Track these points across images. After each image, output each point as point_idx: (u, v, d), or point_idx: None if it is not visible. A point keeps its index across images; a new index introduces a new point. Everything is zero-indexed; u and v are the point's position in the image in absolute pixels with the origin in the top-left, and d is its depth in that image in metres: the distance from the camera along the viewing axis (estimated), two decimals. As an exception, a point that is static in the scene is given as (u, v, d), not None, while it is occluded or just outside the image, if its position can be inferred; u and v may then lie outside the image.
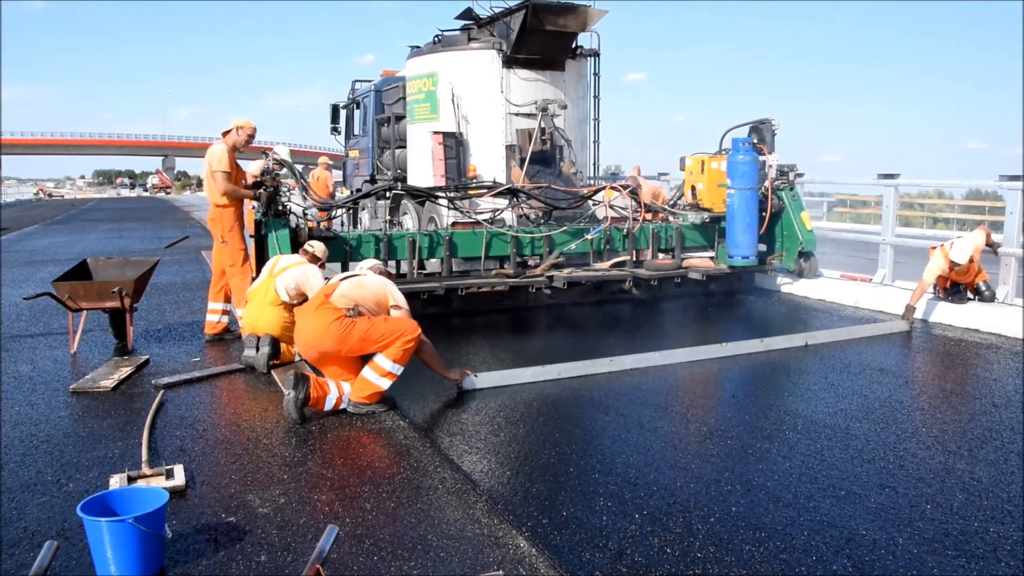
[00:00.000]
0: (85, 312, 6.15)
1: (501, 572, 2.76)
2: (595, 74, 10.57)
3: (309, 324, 4.60)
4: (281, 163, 7.30)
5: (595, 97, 10.63)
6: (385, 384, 4.57)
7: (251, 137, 6.34)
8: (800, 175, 9.22)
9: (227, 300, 6.48)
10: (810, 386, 5.29)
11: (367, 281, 4.83)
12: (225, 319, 6.51)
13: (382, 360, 4.54)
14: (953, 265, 7.14)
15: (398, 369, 4.57)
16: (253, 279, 6.41)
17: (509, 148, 9.61)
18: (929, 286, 7.41)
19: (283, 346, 5.65)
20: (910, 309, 7.17)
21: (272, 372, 5.43)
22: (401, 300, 4.81)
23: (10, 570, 2.80)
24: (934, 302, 7.56)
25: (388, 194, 9.37)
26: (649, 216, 8.90)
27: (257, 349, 5.54)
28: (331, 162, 15.79)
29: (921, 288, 7.28)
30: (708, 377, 5.93)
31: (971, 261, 7.21)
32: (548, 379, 5.40)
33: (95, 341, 6.38)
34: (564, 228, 8.18)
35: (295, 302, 5.64)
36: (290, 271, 5.70)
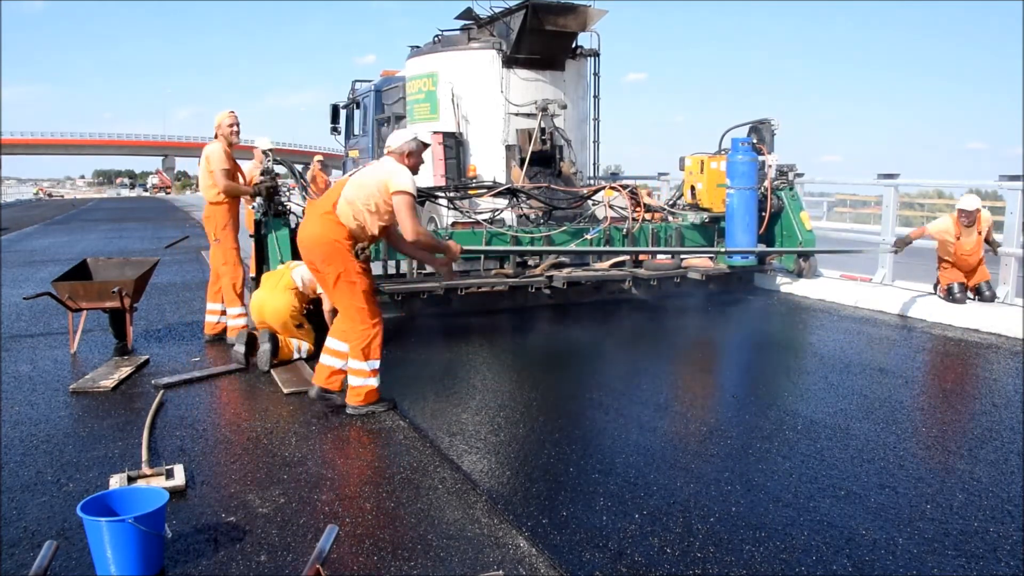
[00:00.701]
0: (85, 312, 6.14)
1: (501, 572, 2.76)
2: (595, 74, 10.57)
3: (312, 227, 4.52)
4: (280, 162, 7.31)
5: (595, 97, 10.63)
6: (372, 382, 4.56)
7: (233, 126, 6.25)
8: (800, 175, 9.22)
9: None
10: (810, 386, 5.29)
11: (368, 178, 4.46)
12: (224, 319, 6.50)
13: (356, 363, 4.54)
14: (961, 215, 7.25)
15: (374, 364, 4.56)
16: (254, 279, 6.44)
17: (509, 148, 9.61)
18: (927, 234, 7.56)
19: (281, 341, 5.68)
20: (905, 240, 7.45)
21: (272, 371, 5.43)
22: (405, 185, 4.31)
23: (10, 570, 2.80)
24: (934, 302, 7.57)
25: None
26: (648, 216, 8.90)
27: (255, 347, 5.58)
28: (323, 159, 15.78)
29: (920, 231, 7.63)
30: (708, 377, 5.93)
31: (979, 234, 7.29)
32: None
33: (95, 341, 6.38)
34: (564, 228, 8.18)
35: (309, 294, 5.80)
36: (305, 265, 5.78)
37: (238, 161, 6.49)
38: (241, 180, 6.45)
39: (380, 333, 4.58)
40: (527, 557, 2.89)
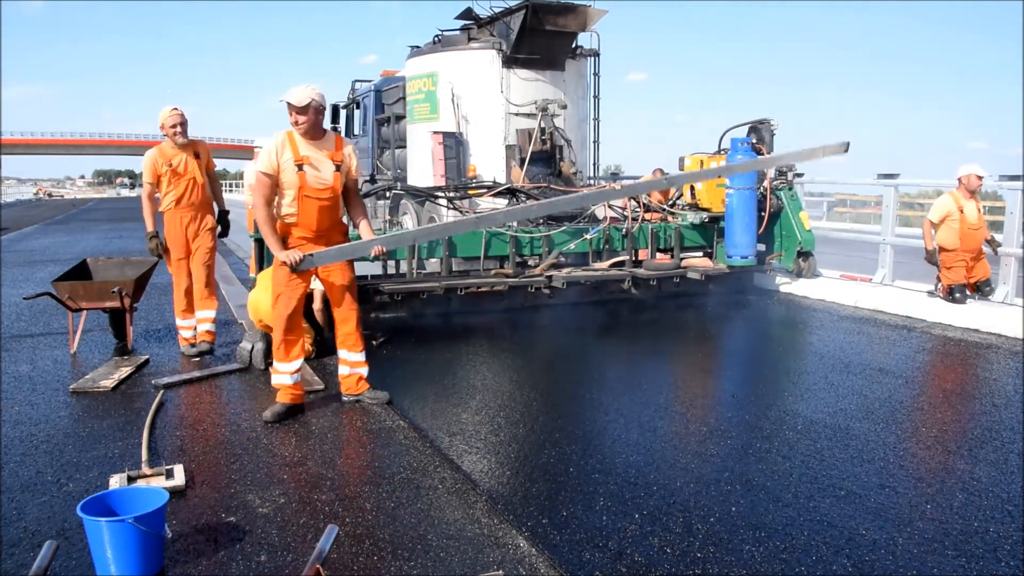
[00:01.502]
0: (85, 312, 6.14)
1: (501, 572, 2.76)
2: (595, 74, 10.58)
3: None
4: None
5: (595, 97, 10.64)
6: (283, 380, 4.53)
7: (176, 127, 5.71)
8: (799, 175, 9.22)
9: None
10: (810, 386, 5.29)
11: None
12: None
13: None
14: (968, 181, 7.34)
15: (285, 367, 4.52)
16: (255, 280, 6.37)
17: (509, 148, 9.62)
18: (934, 225, 7.53)
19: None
20: (932, 254, 7.53)
21: (270, 368, 5.43)
22: (255, 161, 4.46)
23: (10, 570, 2.80)
24: (934, 302, 7.57)
25: (388, 194, 9.38)
26: (648, 216, 8.91)
27: (252, 346, 5.60)
28: None
29: (927, 231, 7.59)
30: (708, 377, 5.93)
31: (979, 213, 7.38)
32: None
33: (95, 341, 6.37)
34: (563, 228, 8.18)
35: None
36: None
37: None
38: (181, 184, 5.78)
39: (287, 341, 4.53)
40: (527, 557, 2.89)
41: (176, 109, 5.77)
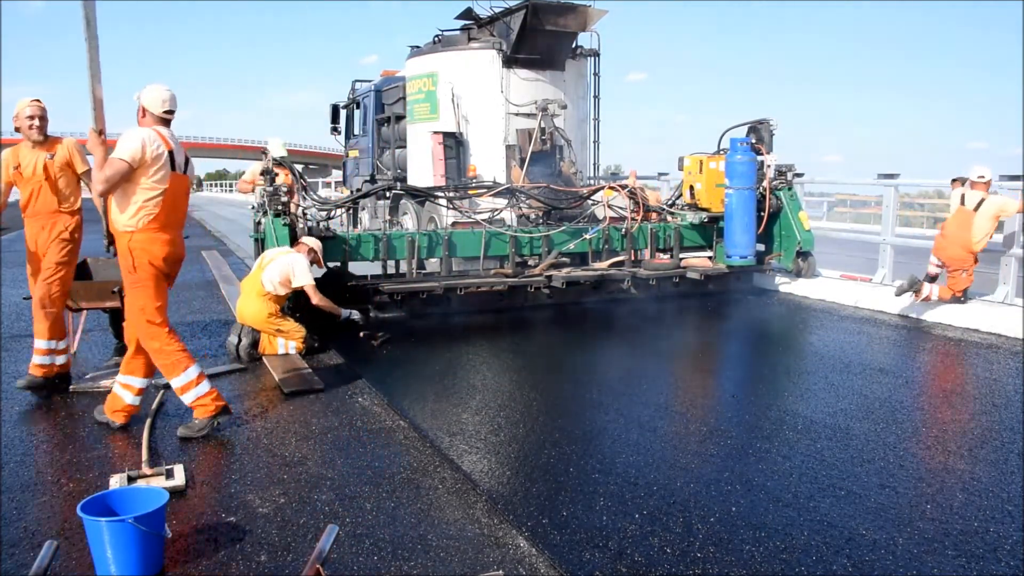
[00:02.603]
0: (85, 312, 6.14)
1: (501, 572, 2.76)
2: (595, 74, 10.59)
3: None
4: (280, 162, 7.32)
5: (595, 97, 10.64)
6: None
7: (33, 119, 4.83)
8: (799, 175, 9.22)
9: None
10: (810, 386, 5.29)
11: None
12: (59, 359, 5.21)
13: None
14: (980, 185, 7.28)
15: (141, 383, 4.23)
16: None
17: (509, 148, 9.62)
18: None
19: (265, 338, 5.76)
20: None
21: (272, 372, 5.43)
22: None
23: (10, 570, 2.80)
24: (933, 302, 7.56)
25: (388, 194, 9.39)
26: (648, 216, 8.90)
27: (239, 340, 5.68)
28: None
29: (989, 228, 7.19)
30: (708, 377, 5.93)
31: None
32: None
33: (95, 341, 6.37)
34: (563, 228, 8.19)
35: (282, 292, 5.85)
36: (276, 262, 5.89)
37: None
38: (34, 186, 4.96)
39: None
40: (527, 557, 2.89)
41: (36, 100, 4.87)
